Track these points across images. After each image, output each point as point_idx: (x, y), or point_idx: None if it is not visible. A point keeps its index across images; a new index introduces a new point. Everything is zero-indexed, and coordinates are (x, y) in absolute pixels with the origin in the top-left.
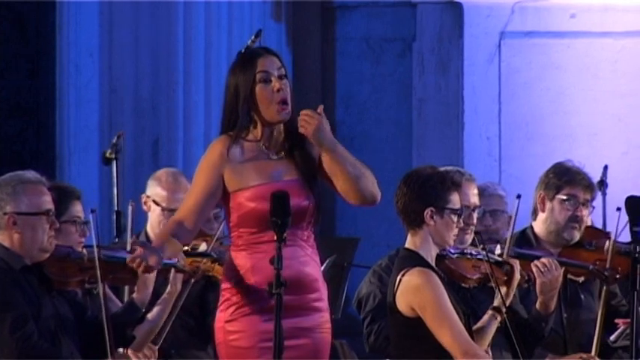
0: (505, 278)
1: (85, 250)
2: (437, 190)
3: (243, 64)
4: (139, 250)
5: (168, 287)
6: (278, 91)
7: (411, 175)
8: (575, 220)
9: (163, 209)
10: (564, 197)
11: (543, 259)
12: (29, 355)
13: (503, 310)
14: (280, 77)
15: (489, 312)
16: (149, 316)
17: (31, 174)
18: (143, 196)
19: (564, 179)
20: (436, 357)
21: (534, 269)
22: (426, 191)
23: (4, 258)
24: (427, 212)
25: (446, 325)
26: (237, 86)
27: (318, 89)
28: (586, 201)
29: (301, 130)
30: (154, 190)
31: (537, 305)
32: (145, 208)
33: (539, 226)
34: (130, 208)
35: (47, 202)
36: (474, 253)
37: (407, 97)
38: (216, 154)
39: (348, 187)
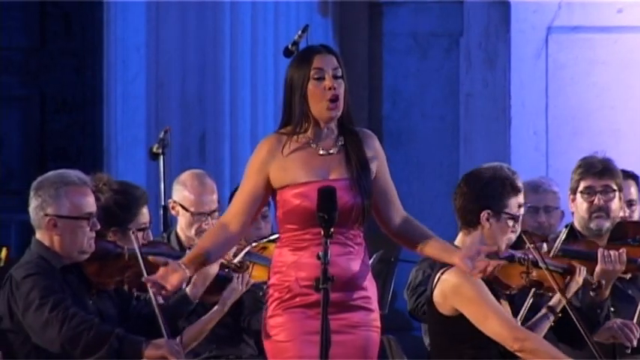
0: (563, 286)
1: (126, 248)
2: (497, 194)
3: (300, 60)
4: (159, 272)
5: (227, 291)
6: (330, 89)
7: (473, 175)
8: (597, 209)
9: (192, 214)
10: (582, 191)
11: (612, 251)
12: (71, 330)
13: (558, 310)
14: (335, 77)
15: (543, 310)
16: (193, 327)
17: (75, 174)
18: (170, 201)
19: (578, 173)
20: (472, 357)
21: (599, 254)
22: (486, 193)
23: (44, 257)
24: (484, 214)
25: (490, 315)
26: (292, 82)
27: (365, 84)
28: (605, 188)
29: (481, 274)
30: (181, 194)
31: (591, 292)
32: (173, 212)
33: (576, 223)
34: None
35: (89, 204)
36: (527, 257)
37: (454, 93)
38: (262, 155)
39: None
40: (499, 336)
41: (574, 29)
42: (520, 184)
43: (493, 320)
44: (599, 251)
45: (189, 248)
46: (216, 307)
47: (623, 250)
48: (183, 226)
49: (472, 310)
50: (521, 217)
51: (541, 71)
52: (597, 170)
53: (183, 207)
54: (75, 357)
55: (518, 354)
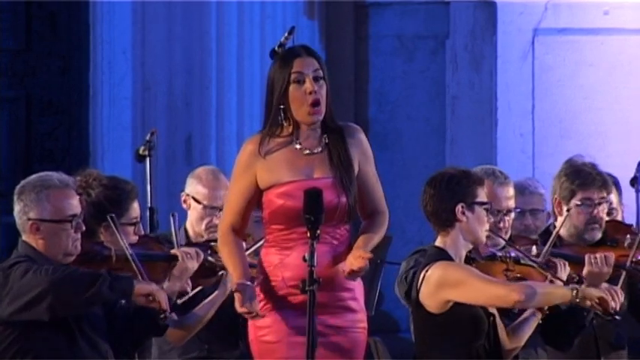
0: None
1: (113, 250)
2: (463, 187)
3: (281, 62)
4: (245, 308)
5: (219, 289)
6: (310, 93)
7: (435, 177)
8: (593, 221)
9: (205, 207)
10: (579, 202)
11: (600, 254)
12: (60, 273)
13: (545, 308)
14: (316, 79)
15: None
16: (197, 310)
17: (57, 177)
18: (182, 194)
19: (577, 183)
20: (456, 355)
21: (587, 258)
22: (454, 188)
23: (32, 257)
24: (458, 208)
25: (482, 285)
26: (274, 83)
27: (351, 87)
28: (602, 199)
29: (348, 266)
30: (195, 188)
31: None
32: (184, 206)
33: (563, 230)
34: (171, 219)
35: (72, 206)
36: (510, 255)
37: (440, 95)
38: (247, 155)
39: None
40: (498, 298)
41: (561, 31)
42: (482, 176)
43: (487, 288)
44: (587, 256)
45: (196, 244)
46: (217, 292)
47: (610, 254)
48: (193, 221)
49: (464, 291)
50: (512, 216)
51: (527, 73)
52: (599, 184)
53: (196, 200)
54: (68, 299)
55: (525, 306)
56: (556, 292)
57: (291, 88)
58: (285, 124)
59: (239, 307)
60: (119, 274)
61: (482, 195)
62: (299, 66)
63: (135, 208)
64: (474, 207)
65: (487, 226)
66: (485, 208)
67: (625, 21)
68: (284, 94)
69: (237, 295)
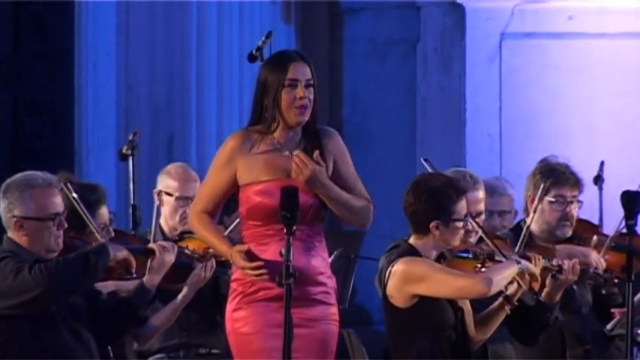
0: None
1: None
2: (443, 204)
3: (276, 65)
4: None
5: (190, 277)
6: (300, 98)
7: (419, 184)
8: (565, 218)
9: (177, 198)
10: (552, 199)
11: (568, 262)
12: (52, 267)
13: (514, 300)
14: (307, 86)
15: (499, 300)
16: (152, 319)
17: (41, 176)
18: (155, 191)
19: (550, 180)
20: (425, 348)
21: (554, 263)
22: (432, 205)
23: (16, 252)
24: (433, 225)
25: (446, 278)
26: (266, 84)
27: (326, 89)
28: (573, 197)
29: (293, 175)
30: (165, 182)
31: (543, 295)
32: (158, 203)
33: (534, 226)
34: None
35: (55, 205)
36: (483, 251)
37: (411, 96)
38: (228, 150)
39: (341, 218)
40: (464, 289)
41: (527, 35)
42: (466, 186)
43: (451, 281)
44: (555, 260)
45: (171, 239)
46: (182, 294)
47: (576, 261)
48: (167, 215)
49: (428, 284)
50: (482, 217)
51: (495, 76)
52: (572, 182)
53: (167, 193)
54: (70, 288)
55: (490, 294)
56: (509, 271)
57: (284, 92)
58: (273, 125)
59: (248, 265)
60: (94, 248)
61: (460, 210)
62: (294, 73)
63: (102, 215)
64: (449, 223)
65: (461, 234)
66: (462, 220)
67: (588, 26)
68: (276, 97)
69: (239, 256)
